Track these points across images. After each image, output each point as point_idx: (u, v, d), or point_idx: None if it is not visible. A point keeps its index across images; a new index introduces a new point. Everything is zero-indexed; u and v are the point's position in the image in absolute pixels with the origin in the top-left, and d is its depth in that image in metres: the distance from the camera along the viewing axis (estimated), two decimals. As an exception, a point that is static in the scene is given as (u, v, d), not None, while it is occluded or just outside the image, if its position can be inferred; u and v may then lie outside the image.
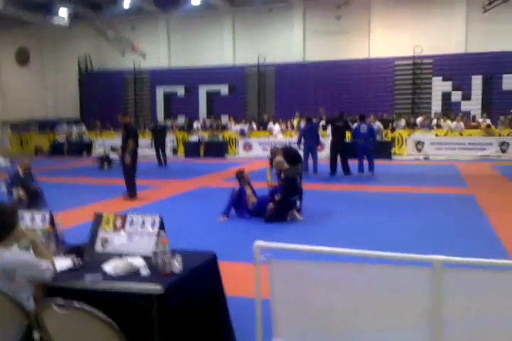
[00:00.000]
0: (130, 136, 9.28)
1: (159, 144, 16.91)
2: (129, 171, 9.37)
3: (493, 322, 2.44)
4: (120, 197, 9.43)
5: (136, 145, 9.46)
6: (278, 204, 7.32)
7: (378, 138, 15.88)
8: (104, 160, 15.93)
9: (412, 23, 21.93)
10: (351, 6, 22.67)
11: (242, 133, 20.37)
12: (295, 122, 20.77)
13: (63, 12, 23.80)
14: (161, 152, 16.78)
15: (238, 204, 7.67)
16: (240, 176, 7.81)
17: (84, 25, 23.04)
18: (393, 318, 2.61)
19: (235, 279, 4.30)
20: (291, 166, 7.68)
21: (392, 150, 17.82)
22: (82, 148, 21.19)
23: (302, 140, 13.30)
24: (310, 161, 13.20)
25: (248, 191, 7.79)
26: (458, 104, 21.52)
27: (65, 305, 2.34)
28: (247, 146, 19.50)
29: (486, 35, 20.97)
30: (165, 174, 14.42)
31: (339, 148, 12.87)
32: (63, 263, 3.01)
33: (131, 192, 9.42)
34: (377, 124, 18.42)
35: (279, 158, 7.69)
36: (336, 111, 15.28)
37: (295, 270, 2.78)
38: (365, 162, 12.93)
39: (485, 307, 2.49)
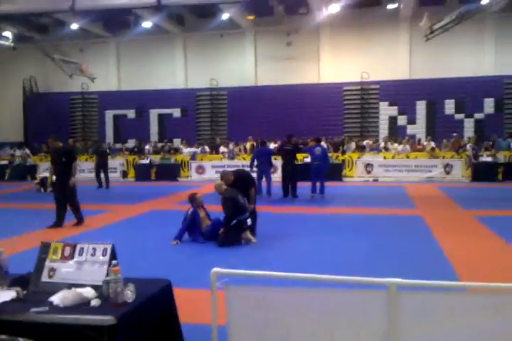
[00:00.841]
0: (73, 159, 8.95)
1: (101, 166, 16.58)
2: (73, 195, 8.98)
3: (447, 341, 2.48)
4: (69, 223, 9.08)
5: (71, 167, 9.08)
6: (228, 227, 7.27)
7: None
8: (46, 183, 15.38)
9: (360, 51, 22.80)
10: (301, 33, 23.37)
11: (193, 156, 20.30)
12: (248, 145, 20.91)
13: (8, 33, 23.24)
14: (103, 174, 16.46)
15: (192, 228, 7.56)
16: (193, 199, 7.73)
17: (30, 46, 22.56)
18: (351, 342, 2.60)
19: (191, 306, 4.20)
20: (231, 188, 7.65)
21: (343, 172, 18.20)
22: (26, 172, 20.43)
23: (255, 163, 13.36)
24: (264, 184, 13.24)
25: (201, 214, 7.70)
26: (404, 127, 22.37)
27: (10, 340, 2.20)
28: (200, 169, 19.40)
29: (428, 62, 22.06)
30: (115, 198, 14.07)
31: (288, 171, 12.97)
32: (7, 294, 2.84)
33: (80, 216, 9.08)
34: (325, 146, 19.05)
35: (219, 182, 7.70)
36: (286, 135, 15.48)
37: (252, 296, 2.75)
38: (318, 184, 13.12)
39: (438, 328, 2.54)
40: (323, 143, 18.81)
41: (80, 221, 9.06)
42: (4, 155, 22.28)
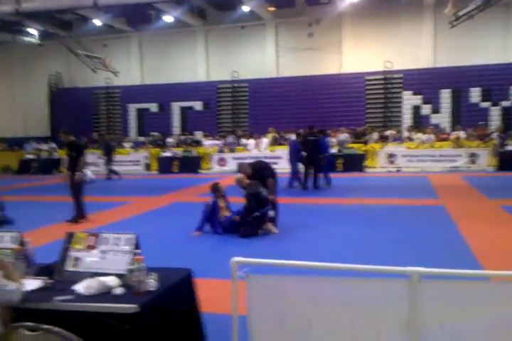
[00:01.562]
0: (80, 154, 8.81)
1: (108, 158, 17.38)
2: (78, 191, 8.79)
3: (469, 331, 2.45)
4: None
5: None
6: (249, 218, 7.30)
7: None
8: None
9: (382, 40, 22.44)
10: (322, 24, 23.11)
11: (221, 149, 20.40)
12: (269, 137, 20.84)
13: (33, 30, 23.61)
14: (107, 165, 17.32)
15: (211, 219, 7.60)
16: (215, 188, 7.75)
17: (54, 43, 22.83)
18: (371, 331, 2.59)
19: (212, 296, 4.24)
20: (254, 181, 7.65)
21: (365, 163, 18.04)
22: (52, 165, 20.83)
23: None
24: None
25: (222, 204, 7.73)
26: (428, 117, 21.99)
27: (34, 327, 2.26)
28: (222, 161, 19.47)
29: (453, 50, 21.59)
30: (138, 190, 14.25)
31: (312, 162, 12.91)
32: (33, 283, 2.92)
33: (79, 213, 8.81)
34: (345, 136, 19.07)
35: (239, 176, 7.69)
36: (319, 126, 15.50)
37: (273, 285, 2.75)
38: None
39: (460, 317, 2.51)
40: (345, 134, 18.93)
41: (74, 219, 8.73)
42: (30, 150, 22.74)
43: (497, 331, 2.37)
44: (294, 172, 13.39)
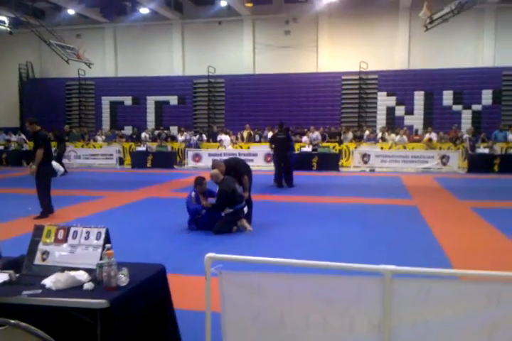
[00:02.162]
0: (39, 145, 8.25)
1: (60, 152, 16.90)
2: (39, 186, 8.31)
3: (440, 330, 2.48)
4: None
5: (48, 155, 8.45)
6: (224, 216, 7.28)
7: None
8: None
9: (358, 40, 22.64)
10: (299, 22, 23.19)
11: (192, 144, 20.23)
12: (245, 134, 20.85)
13: (4, 18, 22.97)
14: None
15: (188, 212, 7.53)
16: (199, 182, 7.63)
17: (26, 31, 22.28)
18: (344, 329, 2.60)
19: (186, 292, 4.20)
20: (229, 177, 7.60)
21: (340, 163, 18.19)
22: (21, 157, 20.36)
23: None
24: None
25: (202, 200, 7.65)
26: (401, 118, 22.32)
27: (0, 322, 2.18)
28: (197, 157, 19.36)
29: (427, 52, 21.96)
30: (110, 184, 14.04)
31: (282, 160, 12.94)
32: (-1, 277, 2.82)
33: (44, 209, 8.38)
34: (316, 134, 19.16)
35: (215, 171, 7.62)
36: (292, 124, 15.50)
37: (246, 281, 2.73)
38: None
39: (432, 316, 2.53)
40: (316, 132, 19.13)
41: (41, 215, 8.34)
42: (0, 141, 22.16)
43: (468, 330, 2.41)
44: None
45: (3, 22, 23.33)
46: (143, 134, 22.09)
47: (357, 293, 2.59)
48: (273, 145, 13.33)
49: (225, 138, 20.26)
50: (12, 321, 2.16)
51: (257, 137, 20.96)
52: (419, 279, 2.56)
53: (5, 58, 26.29)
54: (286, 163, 12.97)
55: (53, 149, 15.71)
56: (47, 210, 8.42)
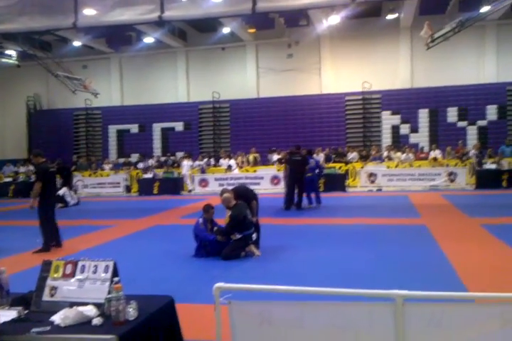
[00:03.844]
0: (37, 179, 8.27)
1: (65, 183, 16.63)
2: (40, 219, 8.24)
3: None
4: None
5: (49, 188, 8.34)
6: (233, 242, 7.24)
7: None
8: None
9: (361, 61, 22.88)
10: (301, 45, 23.52)
11: (203, 170, 20.35)
12: (250, 157, 20.91)
13: (11, 51, 23.51)
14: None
15: (196, 240, 7.49)
16: (206, 210, 7.60)
17: (33, 64, 22.73)
18: (358, 357, 2.56)
19: (195, 322, 4.15)
20: (241, 202, 7.59)
21: (347, 183, 18.15)
22: (30, 189, 20.41)
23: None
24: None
25: (209, 226, 7.63)
26: (406, 136, 22.33)
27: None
28: (203, 182, 19.39)
29: (430, 70, 22.11)
30: (118, 213, 14.05)
31: (296, 182, 12.79)
32: (8, 314, 2.81)
33: (44, 243, 8.22)
34: (321, 156, 19.17)
35: (227, 195, 7.59)
36: (292, 146, 15.48)
37: (256, 311, 2.70)
38: (312, 195, 13.21)
39: (446, 340, 2.49)
40: (321, 154, 19.09)
41: (42, 248, 8.18)
42: (8, 173, 22.35)
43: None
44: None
45: (11, 56, 23.89)
46: (150, 161, 22.23)
47: (369, 319, 2.56)
48: (287, 167, 13.14)
49: (229, 162, 20.33)
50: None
51: (266, 158, 20.98)
52: (431, 303, 2.52)
53: (13, 91, 26.76)
54: (300, 185, 12.77)
55: (60, 181, 15.90)
56: (47, 243, 8.27)
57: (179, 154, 23.52)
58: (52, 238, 8.38)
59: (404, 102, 22.22)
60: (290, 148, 17.69)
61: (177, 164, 21.45)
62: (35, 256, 7.51)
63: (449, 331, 2.48)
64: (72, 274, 3.05)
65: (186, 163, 20.44)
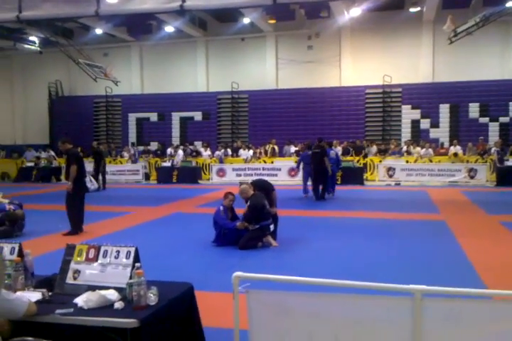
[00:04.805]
0: (72, 162, 8.41)
1: (100, 168, 17.08)
2: (71, 202, 8.44)
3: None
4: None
5: (81, 172, 8.58)
6: (251, 232, 7.29)
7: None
8: None
9: (382, 54, 22.61)
10: (322, 37, 23.31)
11: (221, 159, 20.44)
12: (270, 148, 20.89)
13: (34, 38, 23.76)
14: (100, 176, 16.99)
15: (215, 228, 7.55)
16: (226, 195, 7.67)
17: (55, 51, 22.94)
18: (374, 349, 2.57)
19: (213, 309, 4.21)
20: (259, 193, 7.64)
21: (365, 176, 18.06)
22: (51, 173, 20.79)
23: (301, 165, 14.43)
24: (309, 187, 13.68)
25: (229, 214, 7.69)
26: (426, 131, 22.08)
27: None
28: (221, 172, 19.47)
29: (451, 65, 21.76)
30: (138, 200, 14.21)
31: (317, 174, 12.98)
32: (33, 296, 2.89)
33: (73, 227, 8.43)
34: (338, 149, 19.06)
35: (245, 186, 7.66)
36: (312, 138, 15.87)
37: (274, 301, 2.73)
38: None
39: (464, 336, 2.49)
40: (338, 147, 19.09)
41: (71, 231, 8.41)
42: (30, 158, 22.71)
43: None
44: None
45: (34, 42, 24.16)
46: (168, 150, 22.37)
47: (386, 313, 2.56)
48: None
49: (248, 153, 20.36)
50: (30, 338, 2.20)
51: (285, 150, 20.96)
52: (449, 299, 2.52)
53: (35, 77, 27.08)
54: (322, 177, 12.98)
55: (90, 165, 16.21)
56: (76, 228, 8.50)
57: (197, 143, 23.62)
58: (80, 221, 8.55)
59: (425, 97, 21.94)
60: (307, 140, 17.90)
61: (195, 153, 21.55)
62: (59, 240, 7.65)
63: (467, 327, 2.48)
64: (95, 258, 3.12)
65: (205, 153, 20.60)
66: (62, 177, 16.41)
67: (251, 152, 20.51)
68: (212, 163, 20.00)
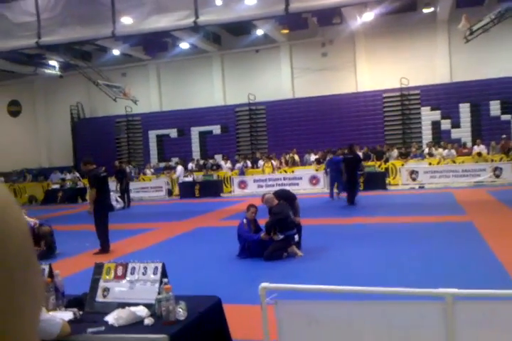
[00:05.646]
0: (91, 185, 8.61)
1: (123, 187, 17.14)
2: (96, 223, 8.59)
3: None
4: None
5: (102, 193, 8.64)
6: (277, 241, 7.27)
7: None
8: None
9: (397, 57, 22.51)
10: (335, 43, 23.35)
11: (242, 171, 20.50)
12: (295, 157, 20.91)
13: (54, 62, 24.36)
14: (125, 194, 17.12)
15: (239, 241, 7.55)
16: (248, 208, 7.69)
17: (75, 74, 23.49)
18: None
19: (242, 322, 4.20)
20: (283, 202, 7.65)
21: (387, 181, 17.88)
22: (77, 194, 21.13)
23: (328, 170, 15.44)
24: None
25: (252, 226, 7.69)
26: (448, 131, 21.80)
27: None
28: (242, 184, 19.51)
29: (469, 64, 21.53)
30: (162, 216, 14.32)
31: (350, 179, 13.51)
32: (64, 315, 2.93)
33: (102, 246, 8.60)
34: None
35: (269, 195, 7.69)
36: (335, 146, 17.06)
37: (303, 310, 2.72)
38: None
39: (498, 339, 2.44)
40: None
41: (101, 250, 8.56)
42: (56, 180, 23.13)
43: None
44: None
45: (54, 66, 24.78)
46: (189, 165, 22.55)
47: (419, 318, 2.53)
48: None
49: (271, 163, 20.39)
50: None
51: (305, 158, 20.94)
52: (482, 301, 2.48)
53: (57, 100, 27.73)
54: (353, 181, 13.60)
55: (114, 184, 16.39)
56: (105, 246, 8.65)
57: (217, 157, 23.77)
58: (108, 240, 8.70)
59: (444, 97, 21.70)
60: (328, 148, 18.14)
61: (216, 166, 21.67)
62: (89, 259, 7.75)
63: (502, 329, 2.43)
64: (123, 276, 3.16)
65: (225, 166, 20.67)
66: (87, 197, 16.62)
67: (272, 162, 20.54)
68: (233, 176, 20.06)
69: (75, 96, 27.17)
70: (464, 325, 2.45)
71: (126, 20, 14.76)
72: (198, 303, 3.05)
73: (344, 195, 14.02)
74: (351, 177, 13.45)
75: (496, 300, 2.48)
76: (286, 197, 7.92)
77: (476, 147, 19.12)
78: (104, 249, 8.59)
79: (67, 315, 2.94)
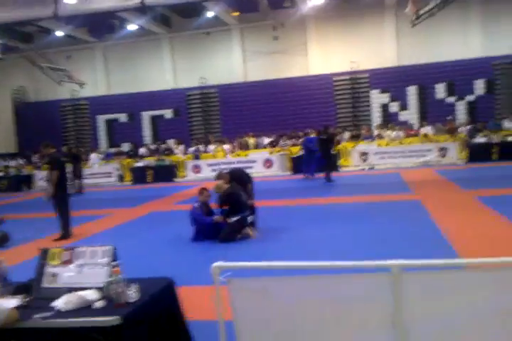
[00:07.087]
0: (53, 167, 8.31)
1: (78, 173, 16.70)
2: (58, 207, 8.36)
3: (454, 321, 2.47)
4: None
5: (61, 176, 8.40)
6: (232, 223, 7.28)
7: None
8: None
9: (347, 41, 22.76)
10: (287, 27, 23.31)
11: (197, 156, 20.34)
12: (251, 141, 20.88)
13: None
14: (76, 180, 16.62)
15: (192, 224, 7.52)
16: (201, 192, 7.66)
17: (16, 56, 22.43)
18: (358, 328, 2.59)
19: (197, 303, 4.19)
20: (234, 184, 7.66)
21: (339, 163, 18.20)
22: (21, 182, 20.37)
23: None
24: None
25: (205, 210, 7.66)
26: (396, 114, 22.37)
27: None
28: (196, 168, 19.37)
29: (416, 47, 22.04)
30: (114, 202, 14.04)
31: (325, 158, 14.42)
32: (11, 302, 2.83)
33: (64, 231, 8.37)
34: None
35: (219, 182, 7.66)
36: (288, 129, 17.56)
37: (255, 287, 2.73)
38: None
39: (442, 307, 2.53)
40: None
41: (62, 236, 8.34)
42: (-1, 167, 22.22)
43: (480, 318, 2.40)
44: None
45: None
46: (141, 150, 22.14)
47: (367, 289, 2.59)
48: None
49: (225, 147, 20.30)
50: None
51: (259, 142, 20.97)
52: (427, 272, 2.56)
53: (-3, 84, 26.44)
54: (328, 161, 14.59)
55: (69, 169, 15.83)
56: (66, 231, 8.40)
57: (170, 141, 23.45)
58: (69, 225, 8.45)
59: (393, 80, 22.19)
60: (280, 132, 18.37)
61: (168, 151, 21.38)
62: (43, 246, 7.50)
63: (446, 298, 2.52)
64: (71, 261, 3.07)
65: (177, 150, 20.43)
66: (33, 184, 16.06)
67: (227, 146, 20.45)
68: (186, 160, 19.87)
69: (17, 80, 26.00)
70: (411, 295, 2.51)
71: (69, 0, 14.18)
72: (150, 285, 3.01)
73: (310, 176, 15.15)
74: (326, 156, 14.30)
75: (440, 270, 2.57)
76: (239, 179, 7.91)
77: (422, 129, 19.71)
78: (66, 234, 8.35)
79: (12, 302, 2.84)
